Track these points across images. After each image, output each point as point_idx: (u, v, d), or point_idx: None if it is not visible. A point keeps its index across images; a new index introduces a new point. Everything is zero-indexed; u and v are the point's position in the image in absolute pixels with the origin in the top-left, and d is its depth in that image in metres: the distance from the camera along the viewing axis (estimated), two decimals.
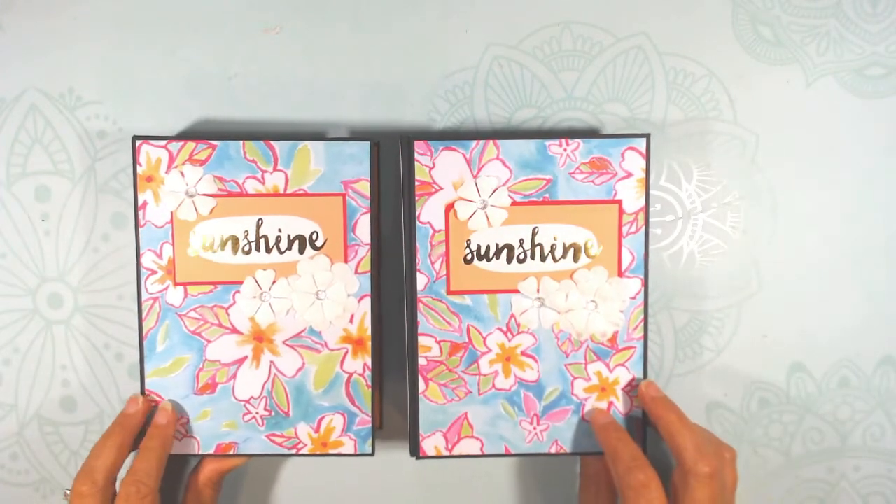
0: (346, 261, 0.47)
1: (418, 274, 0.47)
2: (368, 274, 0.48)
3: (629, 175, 0.47)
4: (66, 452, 0.53)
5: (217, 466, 0.49)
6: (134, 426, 0.47)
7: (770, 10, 0.50)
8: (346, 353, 0.48)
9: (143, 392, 0.48)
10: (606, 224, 0.47)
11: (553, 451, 0.48)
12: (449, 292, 0.47)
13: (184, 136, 0.49)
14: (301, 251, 0.47)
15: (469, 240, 0.47)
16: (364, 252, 0.47)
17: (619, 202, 0.47)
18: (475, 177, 0.46)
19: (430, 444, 0.48)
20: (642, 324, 0.48)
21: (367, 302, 0.48)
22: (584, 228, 0.47)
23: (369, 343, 0.48)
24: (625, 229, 0.47)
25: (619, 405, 0.48)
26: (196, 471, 0.50)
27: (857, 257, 0.51)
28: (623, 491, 0.43)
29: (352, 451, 0.48)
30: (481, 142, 0.47)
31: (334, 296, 0.47)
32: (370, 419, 0.48)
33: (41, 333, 0.52)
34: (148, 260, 0.48)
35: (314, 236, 0.47)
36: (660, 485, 0.42)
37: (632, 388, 0.48)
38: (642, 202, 0.47)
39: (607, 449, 0.45)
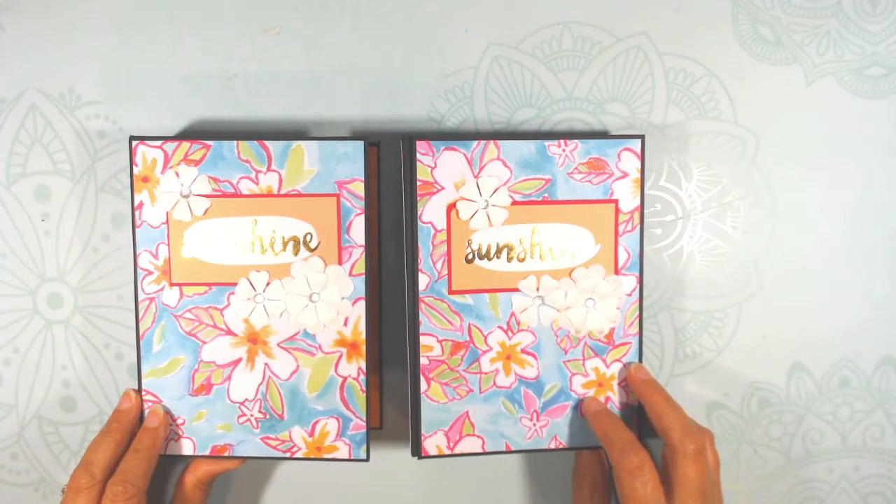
0: (340, 263, 0.46)
1: (420, 274, 0.46)
2: (363, 276, 0.46)
3: (625, 175, 0.46)
4: (66, 452, 0.52)
5: (210, 468, 0.48)
6: (130, 422, 0.46)
7: (770, 10, 0.49)
8: (341, 356, 0.46)
9: (139, 392, 0.47)
10: (603, 223, 0.47)
11: (552, 446, 0.47)
12: (451, 292, 0.46)
13: (181, 136, 0.47)
14: (295, 253, 0.46)
15: (470, 239, 0.46)
16: (358, 254, 0.46)
17: (616, 202, 0.47)
18: (476, 177, 0.46)
19: (431, 444, 0.47)
20: (637, 320, 0.47)
21: (362, 305, 0.46)
22: (582, 227, 0.47)
23: (364, 347, 0.46)
24: (621, 228, 0.47)
25: (616, 400, 0.47)
26: (186, 472, 0.48)
27: (857, 257, 0.50)
28: (618, 474, 0.42)
29: (346, 456, 0.46)
30: (482, 142, 0.45)
31: (328, 298, 0.46)
32: (365, 424, 0.46)
33: (41, 333, 0.51)
34: (144, 260, 0.46)
35: (308, 237, 0.46)
36: (653, 467, 0.42)
37: (622, 372, 0.48)
38: (638, 201, 0.47)
39: (600, 434, 0.45)
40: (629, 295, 0.47)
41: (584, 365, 0.47)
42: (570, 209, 0.46)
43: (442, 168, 0.46)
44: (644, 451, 0.42)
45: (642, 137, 0.46)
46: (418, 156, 0.45)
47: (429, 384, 0.47)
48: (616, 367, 0.48)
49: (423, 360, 0.46)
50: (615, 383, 0.48)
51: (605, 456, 0.47)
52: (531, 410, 0.47)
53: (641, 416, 0.48)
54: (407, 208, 0.46)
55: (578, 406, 0.48)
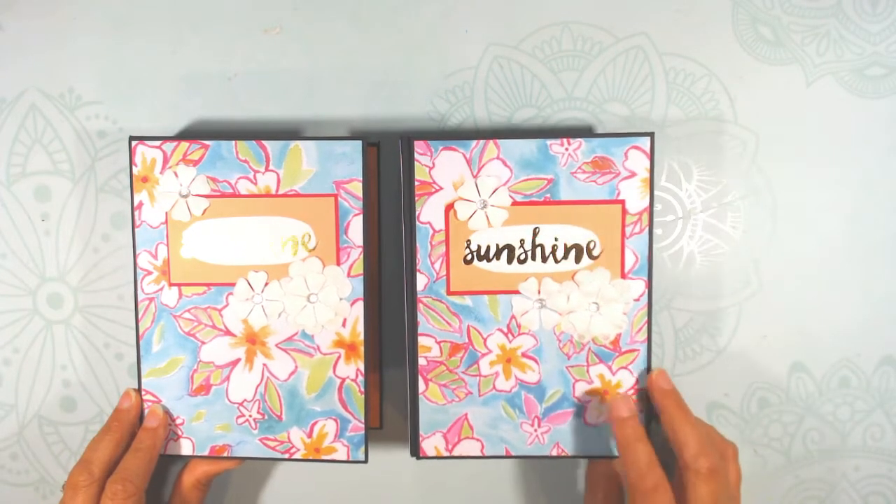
0: (338, 263, 0.45)
1: (418, 274, 0.45)
2: (361, 277, 0.45)
3: (633, 175, 0.45)
4: (66, 452, 0.51)
5: (208, 469, 0.47)
6: (130, 421, 0.45)
7: (770, 10, 0.48)
8: (339, 357, 0.46)
9: (139, 392, 0.46)
10: (609, 225, 0.45)
11: (554, 453, 0.46)
12: (449, 293, 0.45)
13: (181, 136, 0.47)
14: (293, 253, 0.45)
15: (469, 240, 0.45)
16: (357, 255, 0.45)
17: (623, 202, 0.45)
18: (475, 177, 0.45)
19: (430, 445, 0.46)
20: (646, 326, 0.45)
21: (360, 306, 0.45)
22: (587, 229, 0.45)
23: (362, 348, 0.45)
24: (628, 230, 0.45)
25: None
26: (184, 472, 0.48)
27: (857, 257, 0.49)
28: (632, 494, 0.41)
29: (344, 458, 0.46)
30: (481, 141, 0.45)
31: (326, 299, 0.45)
32: (363, 426, 0.46)
33: (41, 333, 0.51)
34: (144, 260, 0.46)
35: (306, 238, 0.45)
36: (668, 488, 0.40)
37: (629, 380, 0.46)
38: (646, 202, 0.45)
39: (622, 444, 0.43)
40: (637, 300, 0.45)
41: (588, 371, 0.46)
42: (573, 210, 0.45)
43: (440, 168, 0.45)
44: (660, 469, 0.41)
45: (652, 135, 0.45)
46: (416, 155, 0.45)
47: (427, 385, 0.46)
48: (622, 375, 0.46)
49: (422, 361, 0.46)
50: (621, 391, 0.46)
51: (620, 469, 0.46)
52: (532, 416, 0.46)
53: (650, 425, 0.46)
54: (405, 208, 0.46)
55: (582, 413, 0.46)
